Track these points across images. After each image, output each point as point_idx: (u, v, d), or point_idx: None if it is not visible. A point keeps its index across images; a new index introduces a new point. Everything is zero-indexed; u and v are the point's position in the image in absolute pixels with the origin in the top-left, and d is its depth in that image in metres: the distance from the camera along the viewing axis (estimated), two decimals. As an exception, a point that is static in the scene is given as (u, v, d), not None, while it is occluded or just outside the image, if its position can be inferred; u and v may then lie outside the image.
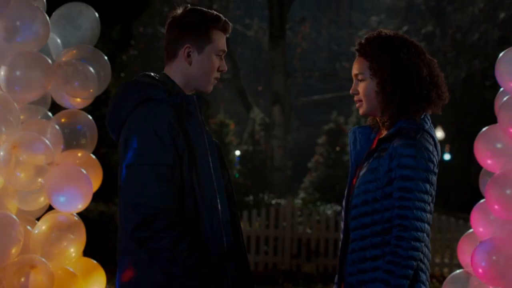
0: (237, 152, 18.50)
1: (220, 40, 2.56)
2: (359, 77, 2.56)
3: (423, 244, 2.38)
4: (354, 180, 2.58)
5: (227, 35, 2.60)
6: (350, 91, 2.62)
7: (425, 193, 2.39)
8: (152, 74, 2.57)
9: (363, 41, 2.59)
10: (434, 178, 2.43)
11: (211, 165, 2.46)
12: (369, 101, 2.55)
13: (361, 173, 2.53)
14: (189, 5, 2.57)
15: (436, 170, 2.45)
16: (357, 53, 2.61)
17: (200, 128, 2.48)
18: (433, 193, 2.46)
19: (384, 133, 2.56)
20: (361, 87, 2.56)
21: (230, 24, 2.59)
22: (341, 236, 2.61)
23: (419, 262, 2.40)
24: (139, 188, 2.34)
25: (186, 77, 2.54)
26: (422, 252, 2.40)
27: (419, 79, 2.48)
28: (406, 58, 2.49)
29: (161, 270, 2.36)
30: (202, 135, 2.48)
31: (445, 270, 9.30)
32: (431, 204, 2.45)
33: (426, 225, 2.40)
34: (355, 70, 2.59)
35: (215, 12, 2.55)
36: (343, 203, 2.62)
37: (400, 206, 2.37)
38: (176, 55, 2.54)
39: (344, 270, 2.55)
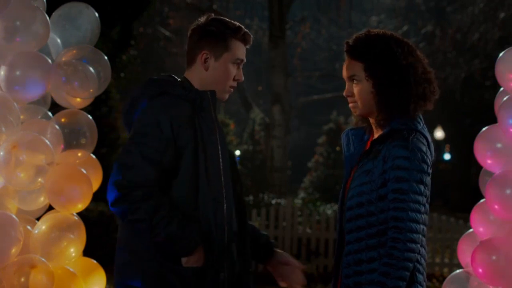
0: (237, 152, 18.49)
1: (239, 49, 2.61)
2: (353, 79, 2.52)
3: (419, 245, 2.36)
4: (349, 182, 2.57)
5: (247, 46, 2.66)
6: (344, 93, 2.57)
7: (419, 195, 2.36)
8: (173, 75, 2.66)
9: (351, 42, 2.54)
10: (428, 179, 2.41)
11: (221, 160, 2.52)
12: (365, 103, 2.51)
13: (355, 175, 2.51)
14: (212, 14, 2.64)
15: (430, 171, 2.43)
16: (347, 55, 2.55)
17: (212, 124, 2.55)
18: (428, 193, 2.43)
19: (377, 134, 2.54)
20: (356, 89, 2.51)
21: (251, 35, 2.65)
22: (337, 238, 2.61)
23: (415, 263, 2.38)
24: (124, 165, 2.43)
25: (202, 82, 2.61)
26: (418, 253, 2.38)
27: (416, 77, 2.45)
28: (402, 58, 2.45)
29: (155, 261, 2.42)
30: (214, 130, 2.55)
31: (445, 270, 9.30)
32: (426, 205, 2.43)
33: (422, 226, 2.38)
34: (348, 73, 2.53)
35: (237, 24, 2.62)
36: (338, 205, 2.60)
37: (395, 208, 2.35)
38: (194, 61, 2.62)
39: (340, 272, 2.54)
